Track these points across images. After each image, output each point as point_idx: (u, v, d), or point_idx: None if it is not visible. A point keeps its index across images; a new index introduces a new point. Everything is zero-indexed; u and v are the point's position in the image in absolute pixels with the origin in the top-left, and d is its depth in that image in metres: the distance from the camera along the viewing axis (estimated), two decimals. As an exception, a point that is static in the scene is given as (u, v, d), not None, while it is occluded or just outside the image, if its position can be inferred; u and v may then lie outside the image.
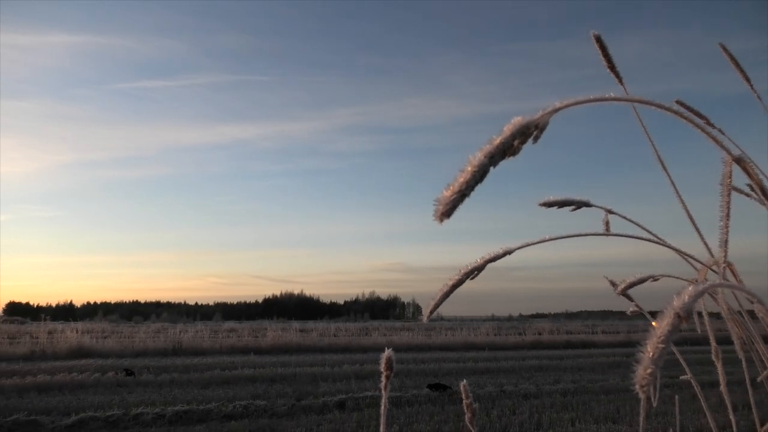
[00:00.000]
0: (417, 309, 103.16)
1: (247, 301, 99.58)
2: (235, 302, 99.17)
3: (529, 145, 0.51)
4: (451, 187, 0.47)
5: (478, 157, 0.48)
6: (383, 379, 0.81)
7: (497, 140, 0.48)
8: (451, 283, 0.88)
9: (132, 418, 7.52)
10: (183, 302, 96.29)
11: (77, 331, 21.21)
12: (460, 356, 16.82)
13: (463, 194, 0.47)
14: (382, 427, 0.82)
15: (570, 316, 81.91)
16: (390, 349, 0.81)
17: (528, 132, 0.50)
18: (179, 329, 24.51)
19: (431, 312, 0.94)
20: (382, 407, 0.81)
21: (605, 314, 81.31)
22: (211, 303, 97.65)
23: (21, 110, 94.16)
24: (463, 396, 0.99)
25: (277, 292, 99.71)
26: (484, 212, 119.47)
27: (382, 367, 0.80)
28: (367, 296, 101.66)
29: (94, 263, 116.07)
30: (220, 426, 7.23)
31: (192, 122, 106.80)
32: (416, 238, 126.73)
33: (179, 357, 16.01)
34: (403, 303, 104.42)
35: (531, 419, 7.48)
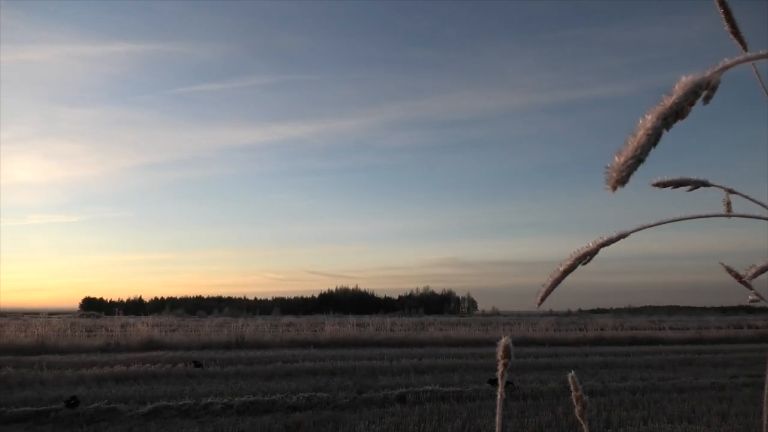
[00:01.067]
0: (472, 304, 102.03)
1: (304, 296, 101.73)
2: (292, 297, 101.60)
3: (699, 105, 0.46)
4: (624, 153, 0.43)
5: (650, 119, 0.43)
6: (500, 367, 0.77)
7: (669, 101, 0.44)
8: (562, 268, 0.83)
9: (202, 407, 7.83)
10: (243, 297, 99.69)
11: (147, 325, 22.37)
12: (520, 351, 16.48)
13: (638, 159, 0.43)
14: (498, 417, 0.78)
15: (633, 311, 78.48)
16: (508, 337, 0.78)
17: (699, 92, 0.45)
18: (241, 323, 25.31)
19: (542, 299, 0.89)
20: (498, 397, 0.78)
21: (672, 309, 77.53)
22: (269, 298, 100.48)
23: (89, 117, 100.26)
24: (572, 388, 0.93)
25: (333, 287, 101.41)
26: (539, 205, 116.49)
27: (500, 354, 0.77)
28: (421, 291, 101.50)
29: (159, 260, 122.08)
30: (285, 417, 7.40)
31: (247, 123, 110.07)
32: (470, 233, 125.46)
33: (242, 350, 16.54)
34: (458, 298, 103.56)
35: (599, 417, 7.22)
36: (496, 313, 75.66)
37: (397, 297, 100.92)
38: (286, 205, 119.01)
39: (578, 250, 0.84)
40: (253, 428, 6.73)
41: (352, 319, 29.66)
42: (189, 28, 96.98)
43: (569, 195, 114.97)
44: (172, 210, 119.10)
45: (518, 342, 20.39)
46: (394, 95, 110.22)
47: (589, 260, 0.85)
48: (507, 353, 0.78)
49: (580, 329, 26.53)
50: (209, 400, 8.14)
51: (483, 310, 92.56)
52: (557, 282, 0.86)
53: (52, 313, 45.47)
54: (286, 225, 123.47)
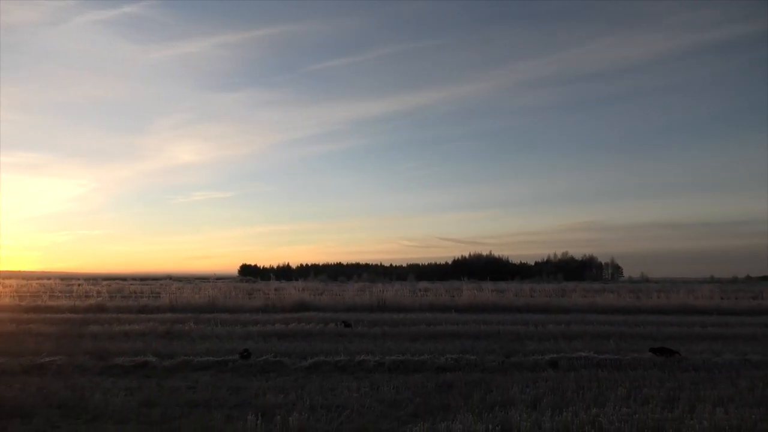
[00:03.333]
0: (616, 269, 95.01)
1: (437, 263, 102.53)
2: (426, 263, 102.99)
3: None
4: None
5: None
6: None
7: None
8: None
9: (356, 363, 8.26)
10: (379, 264, 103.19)
11: (297, 289, 24.28)
12: (681, 320, 15.03)
13: None
14: None
15: (819, 278, 67.26)
16: None
17: None
18: (380, 288, 26.35)
19: None
20: None
21: None
22: (404, 264, 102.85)
23: (236, 100, 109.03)
24: None
25: (465, 254, 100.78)
26: (694, 161, 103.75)
27: None
28: (559, 257, 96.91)
29: (303, 230, 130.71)
30: (435, 376, 7.51)
31: (375, 94, 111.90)
32: (612, 196, 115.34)
33: (384, 312, 17.17)
34: (600, 263, 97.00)
35: (796, 394, 6.27)
36: (645, 280, 69.82)
37: (533, 263, 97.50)
38: (417, 172, 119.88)
39: None
40: (407, 385, 6.92)
41: (488, 284, 29.30)
42: (314, 7, 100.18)
43: (732, 148, 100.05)
44: (312, 183, 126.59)
45: (676, 310, 18.63)
46: (523, 53, 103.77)
47: None
48: None
49: (753, 297, 23.47)
50: (362, 357, 8.56)
51: (629, 277, 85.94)
52: None
53: (218, 278, 51.45)
54: (418, 192, 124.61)
